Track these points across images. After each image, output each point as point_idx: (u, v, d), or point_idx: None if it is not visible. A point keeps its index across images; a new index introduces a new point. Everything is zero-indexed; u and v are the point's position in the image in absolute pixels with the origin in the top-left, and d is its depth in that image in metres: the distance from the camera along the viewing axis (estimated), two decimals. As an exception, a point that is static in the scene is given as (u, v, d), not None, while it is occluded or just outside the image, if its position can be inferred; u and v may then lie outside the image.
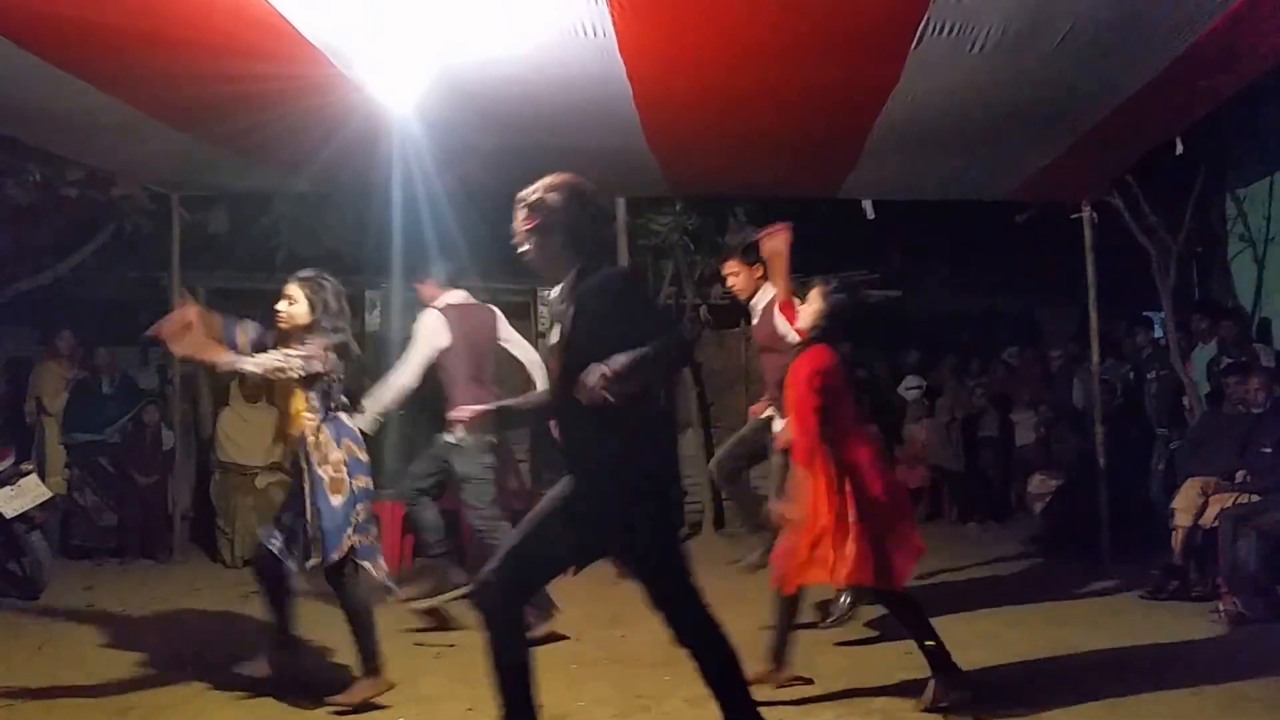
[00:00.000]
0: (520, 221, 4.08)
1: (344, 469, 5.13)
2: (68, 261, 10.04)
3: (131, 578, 8.35)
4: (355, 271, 10.06)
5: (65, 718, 5.12)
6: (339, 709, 5.05)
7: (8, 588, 7.59)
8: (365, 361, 9.91)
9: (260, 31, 5.08)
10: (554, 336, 4.02)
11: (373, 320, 10.24)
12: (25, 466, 7.90)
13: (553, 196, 4.04)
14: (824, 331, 5.09)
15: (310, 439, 5.12)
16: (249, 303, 11.53)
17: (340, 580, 5.13)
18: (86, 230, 9.92)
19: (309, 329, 5.13)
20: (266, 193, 9.55)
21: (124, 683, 5.43)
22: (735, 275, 6.38)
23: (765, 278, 6.24)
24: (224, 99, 5.99)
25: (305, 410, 5.14)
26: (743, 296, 6.41)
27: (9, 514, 7.50)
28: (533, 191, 4.08)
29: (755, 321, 6.42)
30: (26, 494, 7.66)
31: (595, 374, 3.57)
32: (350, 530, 5.10)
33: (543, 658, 5.84)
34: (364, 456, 5.25)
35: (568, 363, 3.85)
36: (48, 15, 4.98)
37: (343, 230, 10.30)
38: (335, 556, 5.06)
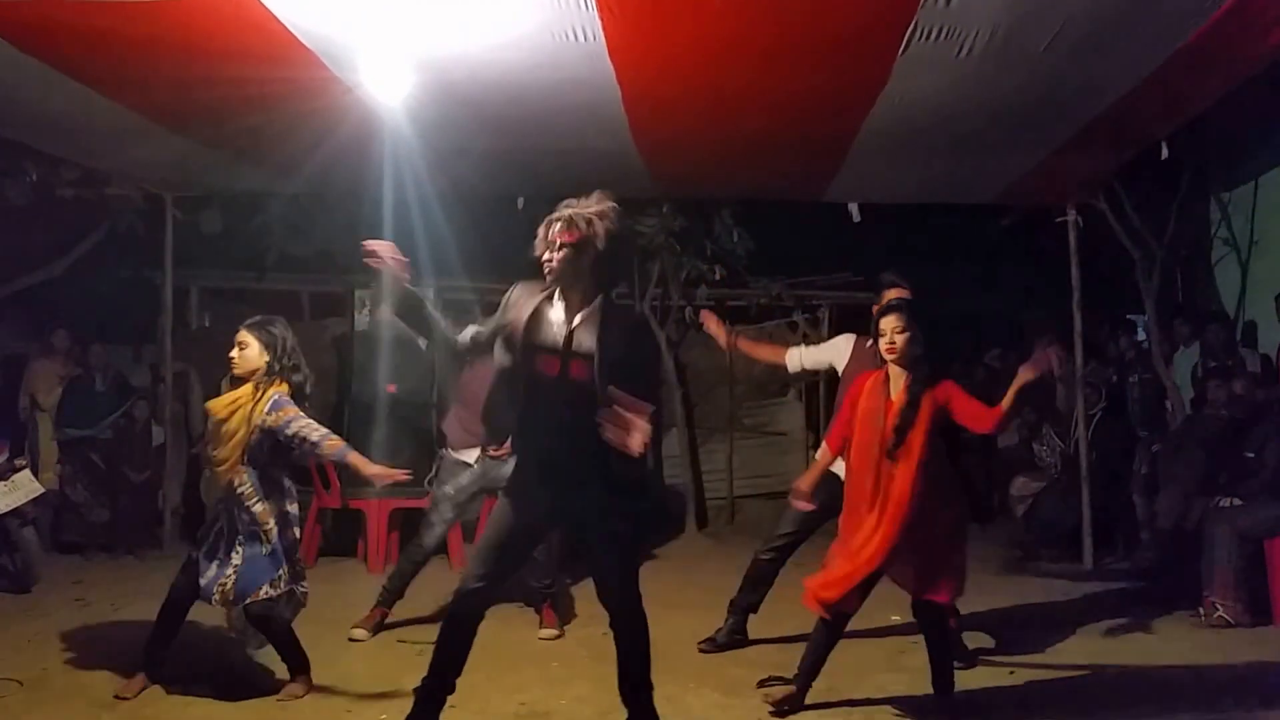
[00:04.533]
0: (558, 234, 4.22)
1: (272, 520, 5.26)
2: (63, 260, 10.09)
3: (122, 573, 8.36)
4: (346, 271, 10.10)
5: (53, 711, 5.13)
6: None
7: (-1, 581, 7.63)
8: (355, 360, 10.03)
9: (256, 35, 5.14)
10: (570, 343, 4.26)
11: (362, 320, 10.28)
12: (19, 462, 7.91)
13: (603, 224, 4.20)
14: None
15: (244, 489, 5.25)
16: (240, 301, 11.67)
17: (260, 613, 5.27)
18: (81, 230, 9.98)
19: (263, 372, 5.25)
20: (260, 194, 9.59)
21: (112, 677, 5.43)
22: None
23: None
24: (219, 102, 6.06)
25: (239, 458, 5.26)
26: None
27: (1, 509, 7.52)
28: (582, 210, 4.23)
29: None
30: (19, 490, 7.67)
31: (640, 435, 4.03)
32: (272, 580, 5.23)
33: (522, 657, 5.94)
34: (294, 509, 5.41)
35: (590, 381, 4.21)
36: (46, 19, 5.04)
37: (334, 231, 10.34)
38: (250, 599, 5.20)
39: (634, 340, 4.43)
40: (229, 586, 5.17)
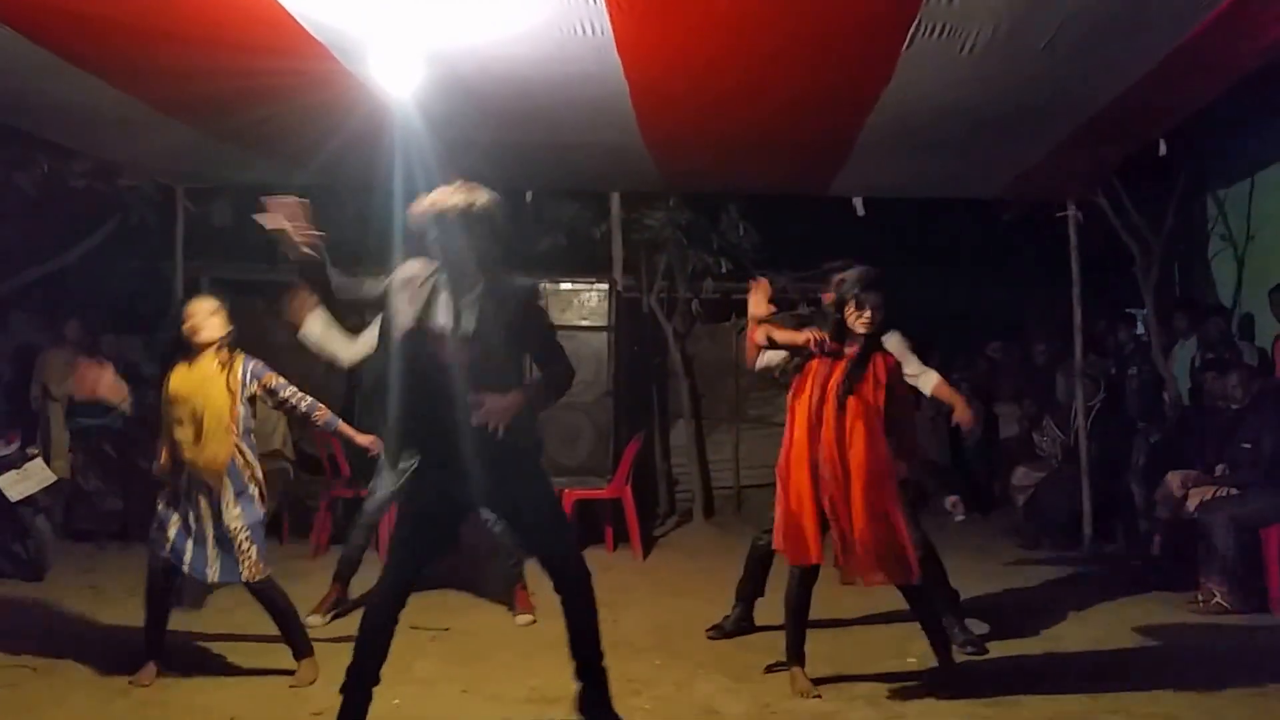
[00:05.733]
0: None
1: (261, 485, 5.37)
2: (74, 251, 10.16)
3: (133, 561, 8.29)
4: (356, 264, 10.16)
5: (66, 697, 5.19)
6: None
7: (12, 569, 7.65)
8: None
9: (266, 27, 5.17)
10: (455, 327, 4.29)
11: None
12: (31, 451, 7.98)
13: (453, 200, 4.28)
14: None
15: (239, 459, 5.27)
16: (251, 292, 11.73)
17: (266, 585, 5.34)
18: (93, 221, 10.04)
19: (225, 340, 5.31)
20: (270, 185, 9.61)
21: (124, 664, 5.46)
22: None
23: None
24: (230, 93, 6.08)
25: (231, 429, 5.24)
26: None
27: (14, 497, 7.58)
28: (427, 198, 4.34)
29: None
30: (32, 478, 7.74)
31: (495, 411, 4.11)
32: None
33: (534, 642, 6.00)
34: None
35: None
36: (58, 11, 5.07)
37: (344, 223, 10.39)
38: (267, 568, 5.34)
39: (522, 316, 4.43)
40: (254, 557, 5.25)
